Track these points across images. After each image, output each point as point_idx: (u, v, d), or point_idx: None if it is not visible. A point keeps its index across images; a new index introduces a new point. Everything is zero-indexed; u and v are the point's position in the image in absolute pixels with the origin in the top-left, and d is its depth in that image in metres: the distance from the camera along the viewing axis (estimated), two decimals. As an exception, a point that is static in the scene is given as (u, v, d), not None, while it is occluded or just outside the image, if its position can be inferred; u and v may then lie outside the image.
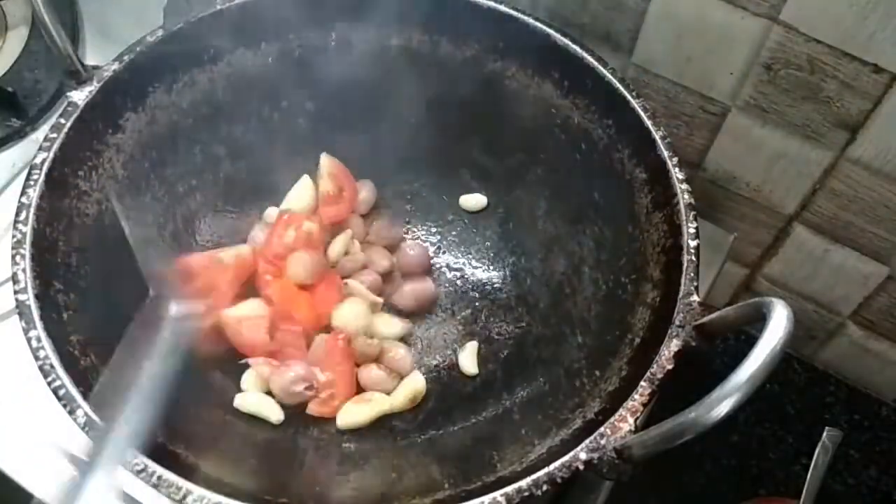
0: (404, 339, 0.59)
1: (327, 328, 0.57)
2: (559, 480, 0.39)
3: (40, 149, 0.46)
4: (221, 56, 0.56)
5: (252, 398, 0.54)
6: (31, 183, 0.45)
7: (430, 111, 0.60)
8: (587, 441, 0.40)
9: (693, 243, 0.46)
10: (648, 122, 0.50)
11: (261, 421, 0.53)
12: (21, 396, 0.56)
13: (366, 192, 0.63)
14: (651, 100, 0.66)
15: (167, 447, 0.43)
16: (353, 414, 0.54)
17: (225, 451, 0.47)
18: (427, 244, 0.64)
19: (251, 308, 0.55)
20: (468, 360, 0.58)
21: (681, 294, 0.44)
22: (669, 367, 0.42)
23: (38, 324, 0.42)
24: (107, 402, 0.38)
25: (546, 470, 0.39)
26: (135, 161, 0.53)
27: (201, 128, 0.57)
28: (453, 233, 0.64)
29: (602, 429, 0.40)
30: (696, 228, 0.46)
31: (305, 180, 0.61)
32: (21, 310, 0.42)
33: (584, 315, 0.55)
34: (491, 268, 0.63)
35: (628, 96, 0.51)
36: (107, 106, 0.50)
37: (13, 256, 0.43)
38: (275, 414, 0.53)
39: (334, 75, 0.59)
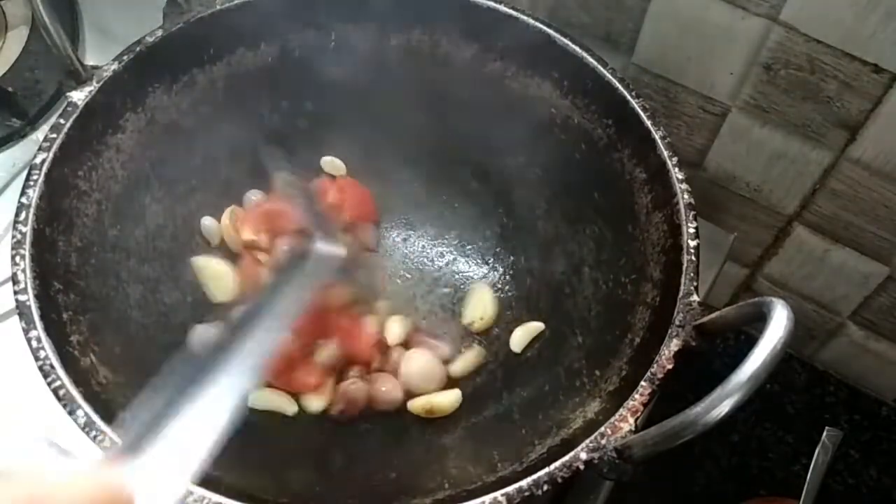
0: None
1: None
2: (560, 480, 0.39)
3: (40, 149, 0.46)
4: (221, 56, 0.56)
5: (266, 395, 0.54)
6: (31, 183, 0.45)
7: (429, 111, 0.60)
8: (588, 441, 0.40)
9: (693, 243, 0.46)
10: (648, 122, 0.50)
11: (264, 420, 0.53)
12: (21, 396, 0.56)
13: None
14: (651, 100, 0.66)
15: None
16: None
17: (226, 450, 0.47)
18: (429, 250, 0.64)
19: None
20: (520, 339, 0.58)
21: (681, 294, 0.44)
22: (669, 367, 0.42)
23: (38, 324, 0.42)
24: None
25: (546, 470, 0.39)
26: (135, 161, 0.53)
27: (201, 128, 0.57)
28: (453, 232, 0.64)
29: (602, 428, 0.40)
30: (696, 228, 0.46)
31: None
32: (21, 310, 0.42)
33: (584, 315, 0.55)
34: (491, 268, 0.63)
35: (628, 96, 0.51)
36: (107, 106, 0.50)
37: (13, 256, 0.43)
38: (290, 407, 0.53)
39: (334, 75, 0.59)
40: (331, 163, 0.64)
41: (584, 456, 0.39)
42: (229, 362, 0.34)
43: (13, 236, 0.44)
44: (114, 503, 0.23)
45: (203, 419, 0.31)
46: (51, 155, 0.46)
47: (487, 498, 0.38)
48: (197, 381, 0.32)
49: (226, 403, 0.32)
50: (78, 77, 0.49)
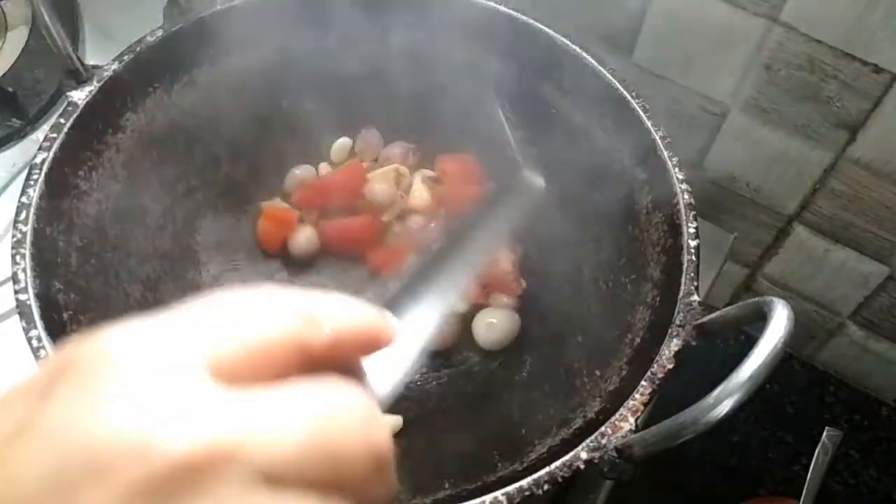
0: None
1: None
2: (560, 480, 0.39)
3: (40, 149, 0.46)
4: (221, 56, 0.56)
5: None
6: (31, 183, 0.45)
7: (429, 111, 0.60)
8: (588, 440, 0.40)
9: (693, 243, 0.46)
10: (648, 122, 0.50)
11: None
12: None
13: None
14: (651, 100, 0.66)
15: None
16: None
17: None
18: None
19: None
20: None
21: (681, 294, 0.44)
22: (669, 366, 0.42)
23: (39, 324, 0.42)
24: None
25: (547, 469, 0.39)
26: (135, 161, 0.53)
27: (201, 128, 0.57)
28: (453, 233, 0.64)
29: (603, 428, 0.40)
30: (696, 228, 0.46)
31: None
32: (21, 310, 0.42)
33: (584, 315, 0.55)
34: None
35: (628, 96, 0.51)
36: (107, 106, 0.50)
37: (13, 256, 0.43)
38: None
39: (334, 75, 0.59)
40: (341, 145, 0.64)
41: (584, 455, 0.39)
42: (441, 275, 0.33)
43: (13, 236, 0.44)
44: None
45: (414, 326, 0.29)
46: (51, 155, 0.46)
47: (487, 498, 0.38)
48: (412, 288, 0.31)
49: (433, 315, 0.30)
50: (78, 77, 0.49)
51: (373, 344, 0.23)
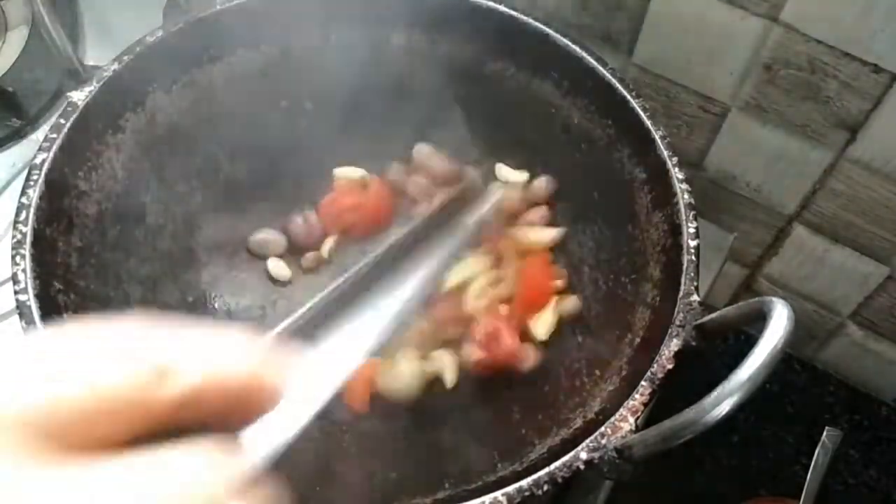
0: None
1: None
2: (560, 480, 0.39)
3: (40, 149, 0.46)
4: (221, 56, 0.56)
5: None
6: (31, 183, 0.45)
7: (429, 111, 0.60)
8: (588, 440, 0.40)
9: (693, 243, 0.46)
10: (648, 122, 0.50)
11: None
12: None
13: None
14: (651, 100, 0.66)
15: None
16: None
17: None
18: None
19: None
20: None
21: (681, 294, 0.44)
22: (669, 366, 0.42)
23: (39, 324, 0.42)
24: None
25: (547, 469, 0.39)
26: (135, 161, 0.53)
27: (201, 128, 0.57)
28: (453, 233, 0.64)
29: (603, 428, 0.40)
30: (696, 228, 0.46)
31: None
32: (21, 310, 0.42)
33: (583, 315, 0.55)
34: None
35: (628, 96, 0.51)
36: (107, 106, 0.50)
37: (13, 256, 0.43)
38: None
39: (334, 75, 0.59)
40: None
41: (584, 456, 0.39)
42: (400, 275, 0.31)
43: (13, 236, 0.44)
44: (261, 387, 0.19)
45: (367, 327, 0.27)
46: (51, 155, 0.46)
47: (487, 498, 0.38)
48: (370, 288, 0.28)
49: (388, 316, 0.28)
50: (78, 77, 0.49)
51: (247, 405, 0.19)
